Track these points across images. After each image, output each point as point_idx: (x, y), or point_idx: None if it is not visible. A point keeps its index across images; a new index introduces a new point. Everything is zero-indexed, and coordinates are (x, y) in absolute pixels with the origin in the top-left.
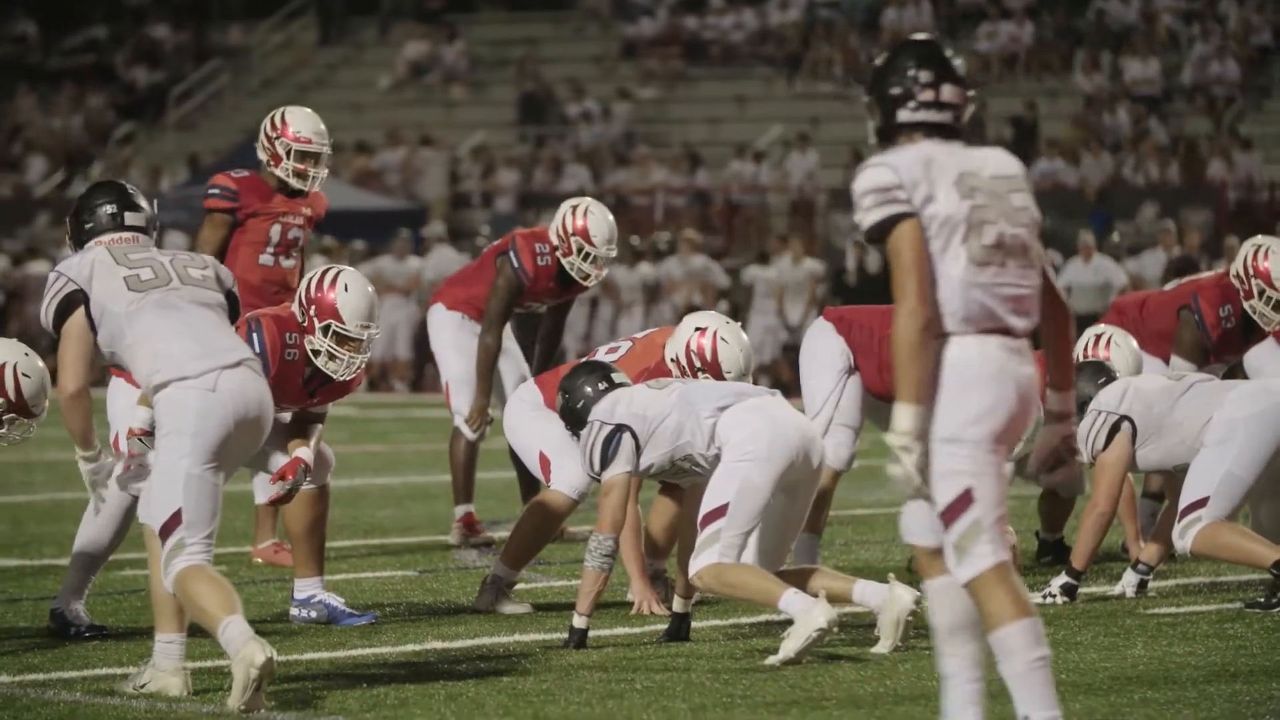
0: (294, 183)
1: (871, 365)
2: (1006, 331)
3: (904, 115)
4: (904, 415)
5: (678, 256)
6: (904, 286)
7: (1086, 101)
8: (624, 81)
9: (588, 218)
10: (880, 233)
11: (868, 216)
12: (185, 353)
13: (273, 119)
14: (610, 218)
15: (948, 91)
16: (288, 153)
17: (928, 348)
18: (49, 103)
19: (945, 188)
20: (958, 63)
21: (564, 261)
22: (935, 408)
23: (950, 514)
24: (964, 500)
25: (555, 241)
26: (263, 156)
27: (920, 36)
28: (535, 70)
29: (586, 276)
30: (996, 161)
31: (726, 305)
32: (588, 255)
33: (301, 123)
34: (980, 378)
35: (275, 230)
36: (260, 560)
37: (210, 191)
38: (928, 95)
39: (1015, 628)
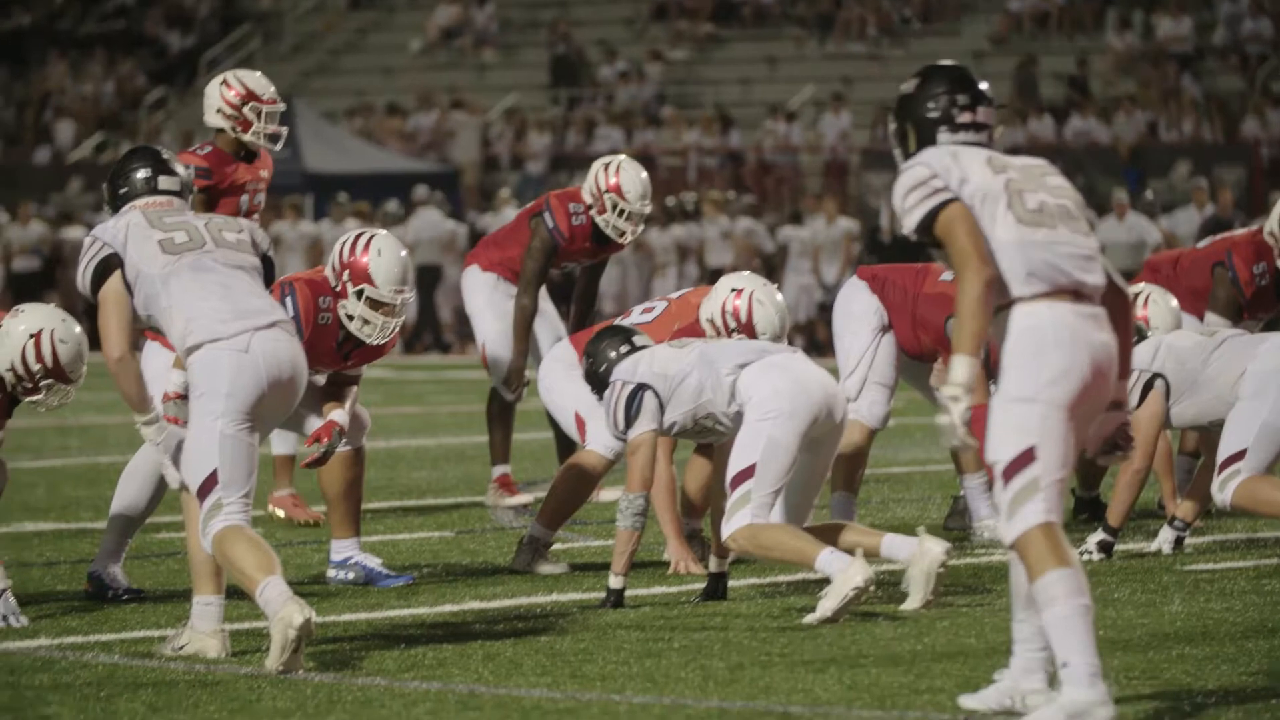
0: (265, 145)
1: (905, 324)
2: (1078, 292)
3: (944, 137)
4: (960, 366)
5: (708, 218)
6: (965, 255)
7: (1118, 60)
8: (655, 43)
9: (620, 174)
10: (929, 225)
11: (913, 215)
12: (218, 314)
13: (226, 82)
14: (644, 174)
15: (983, 113)
16: (258, 115)
17: (989, 304)
18: (80, 69)
19: (977, 168)
20: (984, 85)
21: (599, 219)
22: (1006, 371)
23: (1009, 471)
24: (1025, 458)
25: (589, 200)
26: (224, 124)
27: (947, 63)
28: (567, 32)
29: (622, 233)
30: (1024, 158)
31: (758, 264)
32: (622, 211)
33: (259, 84)
34: (1053, 342)
35: (244, 200)
36: (277, 510)
37: None
38: (966, 117)
39: (1057, 574)
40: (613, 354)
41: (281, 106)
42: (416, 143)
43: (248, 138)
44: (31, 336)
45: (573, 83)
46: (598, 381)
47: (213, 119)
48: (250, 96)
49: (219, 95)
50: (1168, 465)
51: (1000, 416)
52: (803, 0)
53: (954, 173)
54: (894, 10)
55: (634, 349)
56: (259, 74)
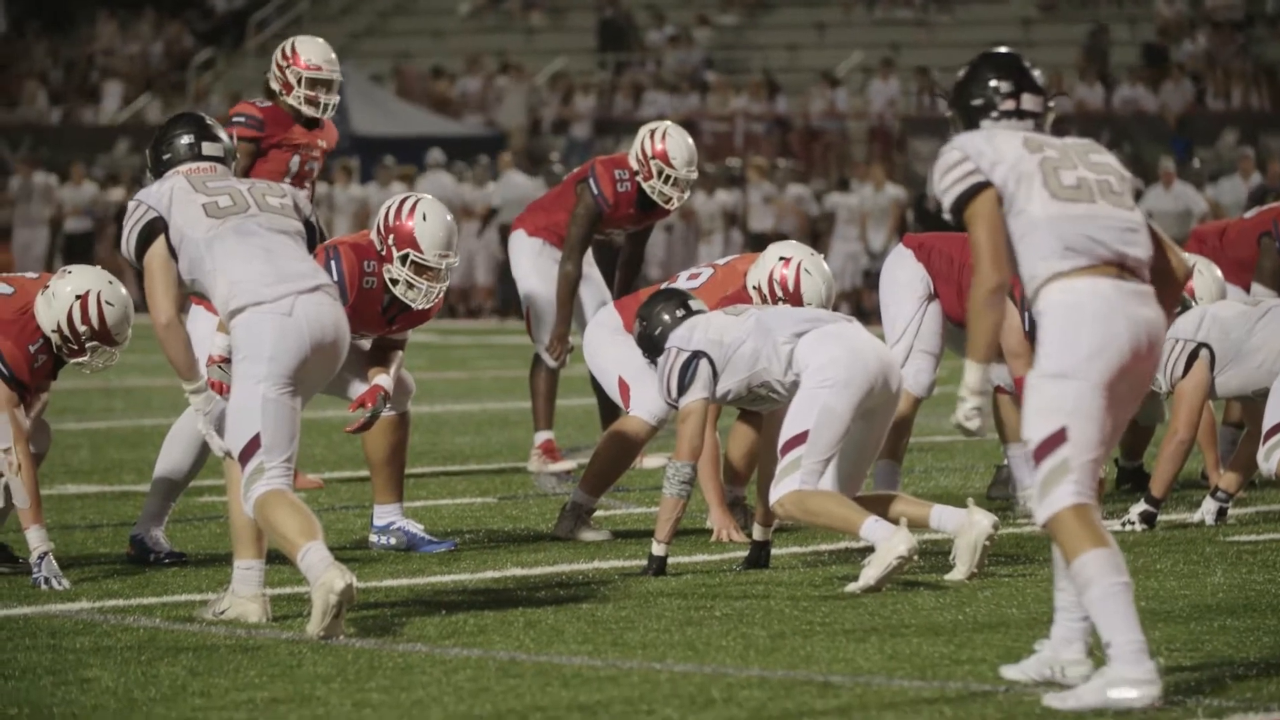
0: (306, 110)
1: (951, 292)
2: (1121, 265)
3: (987, 124)
4: (970, 372)
5: (753, 184)
6: (978, 252)
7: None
8: (704, 8)
9: (667, 140)
10: (962, 208)
11: (947, 197)
12: (261, 278)
13: (283, 49)
14: (690, 140)
15: (1028, 100)
16: (299, 80)
17: (997, 310)
18: (128, 30)
19: (1012, 148)
20: (1036, 73)
21: (645, 185)
22: (1043, 346)
23: (1041, 451)
24: (1057, 438)
25: (635, 166)
26: (275, 86)
27: (1000, 50)
28: None
29: (669, 200)
30: (1068, 138)
31: (803, 230)
32: (668, 178)
33: (312, 51)
34: (1090, 316)
35: (295, 161)
36: None
37: (235, 119)
38: (1009, 105)
39: (1093, 554)
40: (667, 318)
41: (331, 77)
42: (462, 106)
43: (289, 100)
44: (78, 298)
45: (620, 47)
46: (651, 345)
47: (270, 79)
48: (296, 62)
49: (275, 57)
50: (1211, 436)
51: (1034, 394)
52: None
53: (987, 155)
54: None
55: (689, 313)
56: (320, 42)
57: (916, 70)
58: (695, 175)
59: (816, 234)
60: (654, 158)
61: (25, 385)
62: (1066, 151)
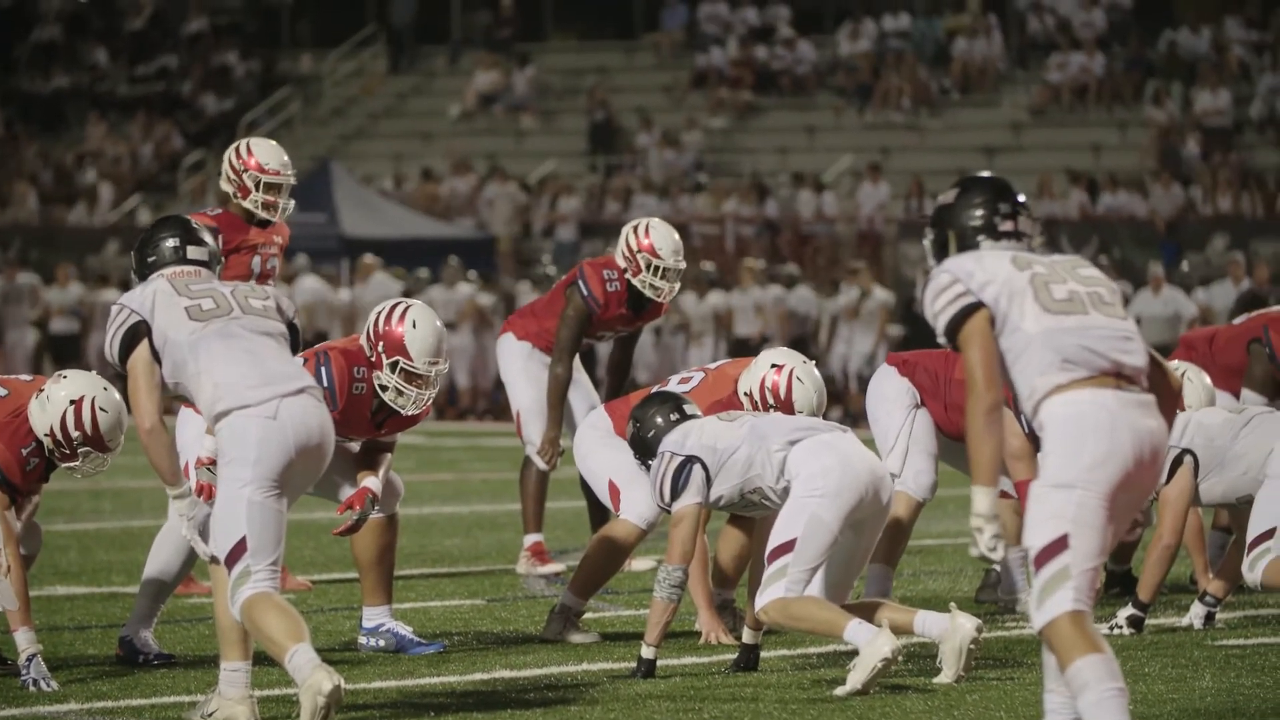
0: (263, 214)
1: (938, 408)
2: (1119, 374)
3: (986, 245)
4: (978, 497)
5: (743, 287)
6: (972, 374)
7: (1157, 133)
8: (694, 111)
9: (651, 233)
10: (955, 330)
11: (940, 321)
12: (246, 380)
13: (236, 150)
14: (674, 233)
15: (1023, 223)
16: (256, 184)
17: (997, 430)
18: (119, 131)
19: (1002, 267)
20: (1022, 197)
21: (634, 281)
22: (1046, 457)
23: (1041, 558)
24: (1058, 545)
25: (622, 264)
26: (228, 189)
27: (985, 174)
28: (605, 99)
29: (659, 292)
30: (1055, 255)
31: (781, 334)
32: (657, 269)
33: (267, 154)
34: (1093, 428)
35: (255, 262)
36: None
37: None
38: (1007, 226)
39: (1089, 660)
40: (661, 421)
41: (284, 179)
42: (451, 209)
43: (245, 204)
44: (73, 403)
45: (610, 150)
46: (643, 447)
47: (222, 182)
48: (249, 165)
49: (228, 160)
50: (1199, 540)
51: (1037, 502)
52: (841, 70)
53: (977, 276)
54: (932, 81)
55: (684, 417)
56: (273, 144)
57: (916, 178)
58: (683, 265)
59: (803, 339)
60: (640, 251)
61: (16, 487)
62: (1054, 267)
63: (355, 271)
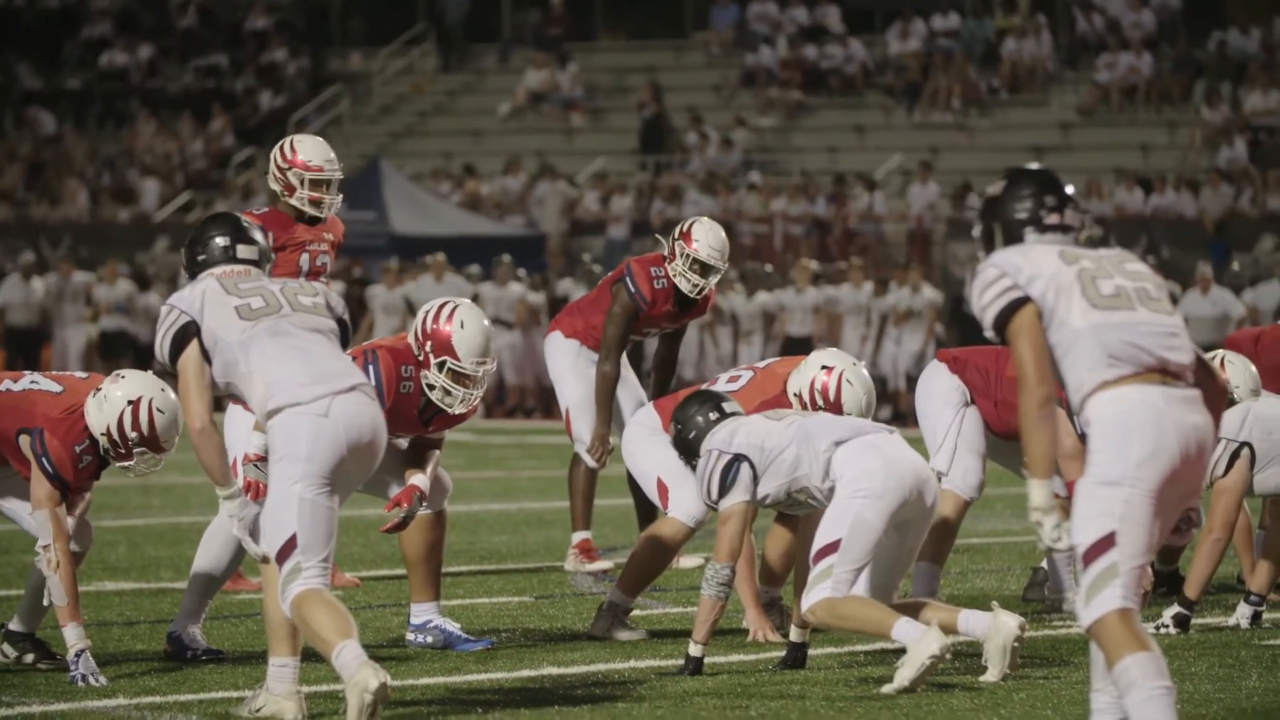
0: (310, 210)
1: (988, 405)
2: (1164, 370)
3: (1031, 238)
4: (1035, 491)
5: (796, 286)
6: (1023, 368)
7: (1207, 133)
8: (743, 110)
9: (694, 228)
10: (1003, 325)
11: (987, 315)
12: (297, 378)
13: (282, 149)
14: (720, 230)
15: (1070, 215)
16: (302, 182)
17: (1050, 422)
18: (169, 128)
19: (1049, 261)
20: (1070, 189)
21: (671, 271)
22: (1094, 454)
23: (1089, 555)
24: (1105, 543)
25: (666, 256)
26: (275, 188)
27: (1034, 166)
28: (655, 98)
29: (698, 287)
30: (1103, 249)
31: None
32: (694, 262)
33: (311, 151)
34: (1140, 425)
35: (304, 260)
36: None
37: None
38: (1054, 219)
39: (1136, 658)
40: (701, 420)
41: (329, 175)
42: (501, 207)
43: (292, 201)
44: (130, 403)
45: (660, 149)
46: (685, 448)
47: (270, 180)
48: (295, 161)
49: (274, 158)
50: (1247, 540)
51: (1084, 499)
52: (890, 69)
53: (1024, 270)
54: (981, 80)
55: (724, 416)
56: (318, 141)
57: (964, 179)
58: (725, 264)
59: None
60: (678, 240)
61: (68, 484)
62: (1102, 262)
63: (422, 270)
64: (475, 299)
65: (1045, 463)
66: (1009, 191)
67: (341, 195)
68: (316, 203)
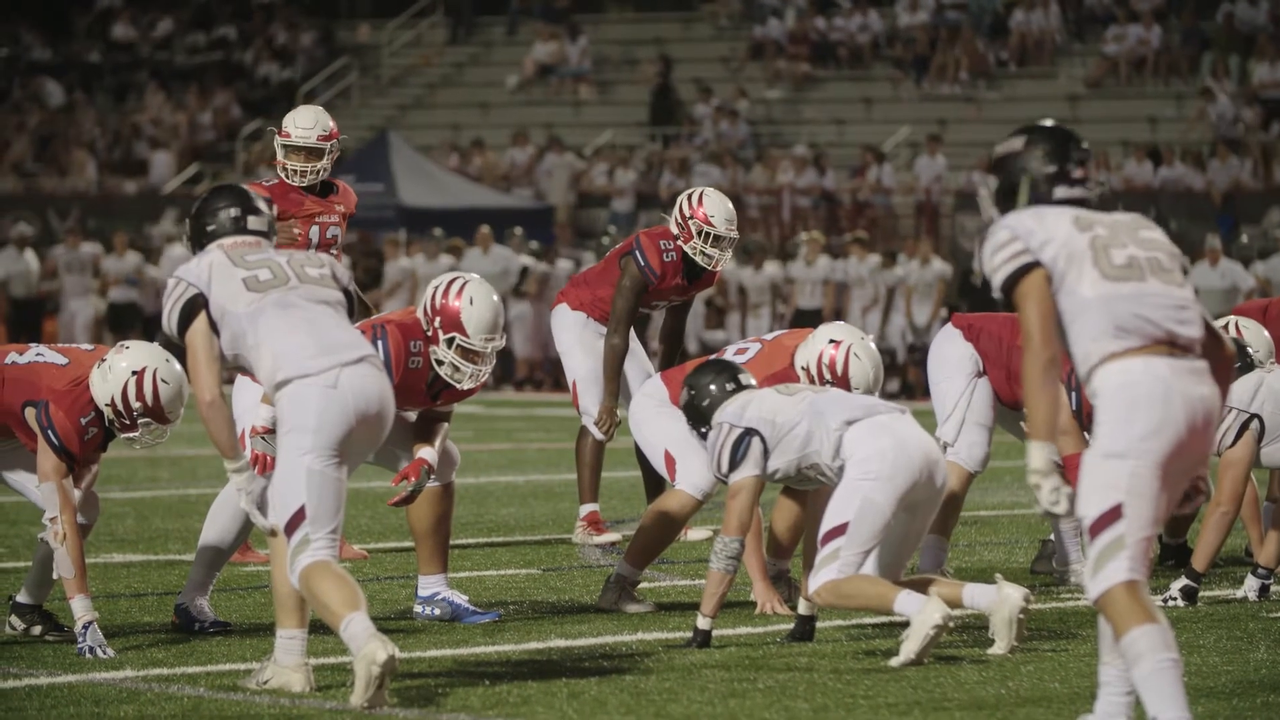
0: (293, 180)
1: (1000, 374)
2: (1173, 343)
3: (1060, 192)
4: (1034, 453)
5: (806, 259)
6: (1029, 330)
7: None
8: (751, 82)
9: (705, 201)
10: (1011, 287)
11: (997, 277)
12: (306, 350)
13: (282, 124)
14: (728, 202)
15: (1091, 169)
16: (282, 150)
17: (1053, 385)
18: (177, 100)
19: (1062, 227)
20: (1086, 144)
21: (686, 248)
22: (1099, 426)
23: (1096, 527)
24: (1112, 515)
25: (675, 231)
26: (280, 155)
27: (1049, 122)
28: (664, 70)
29: (711, 260)
30: (1117, 214)
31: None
32: (709, 237)
33: (292, 120)
34: (1146, 397)
35: (314, 231)
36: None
37: None
38: (1080, 173)
39: (1143, 630)
40: (715, 390)
41: (302, 142)
42: (509, 179)
43: (281, 173)
44: (134, 374)
45: (668, 121)
46: (697, 414)
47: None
48: (281, 133)
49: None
50: (1255, 512)
51: (1090, 472)
52: (899, 41)
53: (1036, 234)
54: (990, 53)
55: (739, 387)
56: (308, 110)
57: (976, 150)
58: (736, 234)
59: (839, 309)
60: (693, 218)
61: (74, 456)
62: (1116, 229)
63: (471, 242)
64: (524, 272)
65: (1046, 425)
66: (1032, 146)
67: (325, 165)
68: (295, 171)
